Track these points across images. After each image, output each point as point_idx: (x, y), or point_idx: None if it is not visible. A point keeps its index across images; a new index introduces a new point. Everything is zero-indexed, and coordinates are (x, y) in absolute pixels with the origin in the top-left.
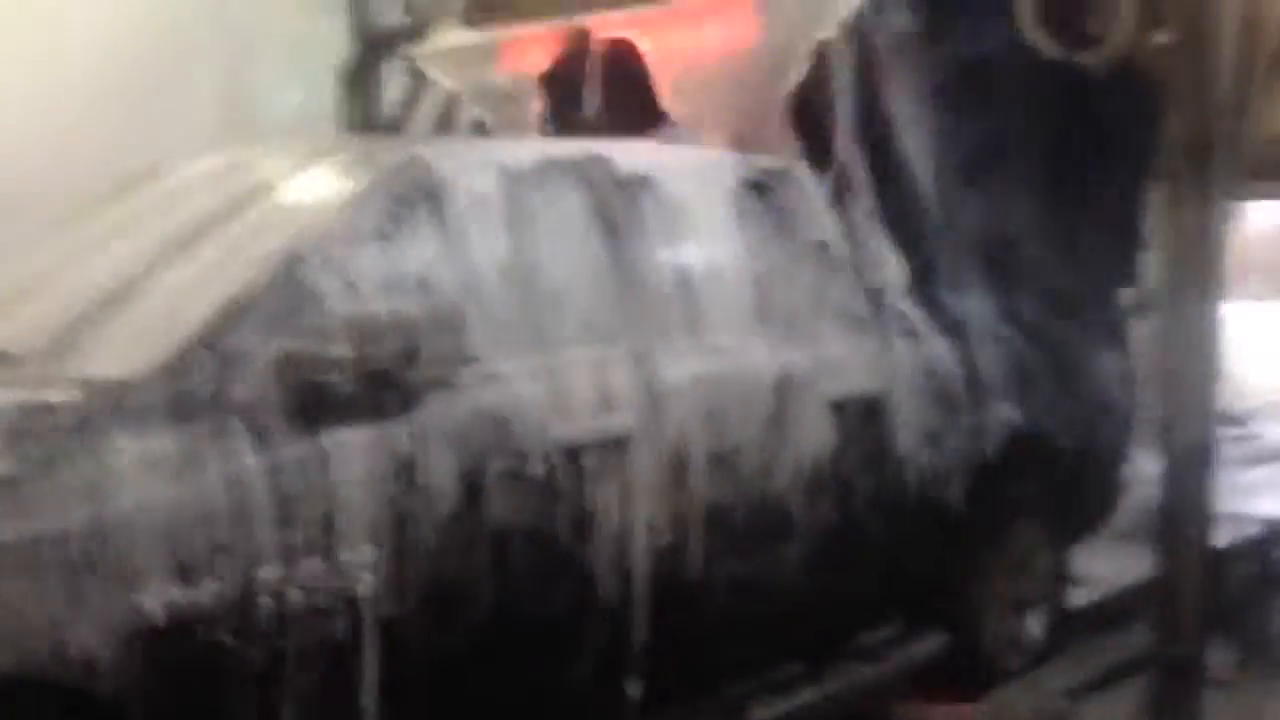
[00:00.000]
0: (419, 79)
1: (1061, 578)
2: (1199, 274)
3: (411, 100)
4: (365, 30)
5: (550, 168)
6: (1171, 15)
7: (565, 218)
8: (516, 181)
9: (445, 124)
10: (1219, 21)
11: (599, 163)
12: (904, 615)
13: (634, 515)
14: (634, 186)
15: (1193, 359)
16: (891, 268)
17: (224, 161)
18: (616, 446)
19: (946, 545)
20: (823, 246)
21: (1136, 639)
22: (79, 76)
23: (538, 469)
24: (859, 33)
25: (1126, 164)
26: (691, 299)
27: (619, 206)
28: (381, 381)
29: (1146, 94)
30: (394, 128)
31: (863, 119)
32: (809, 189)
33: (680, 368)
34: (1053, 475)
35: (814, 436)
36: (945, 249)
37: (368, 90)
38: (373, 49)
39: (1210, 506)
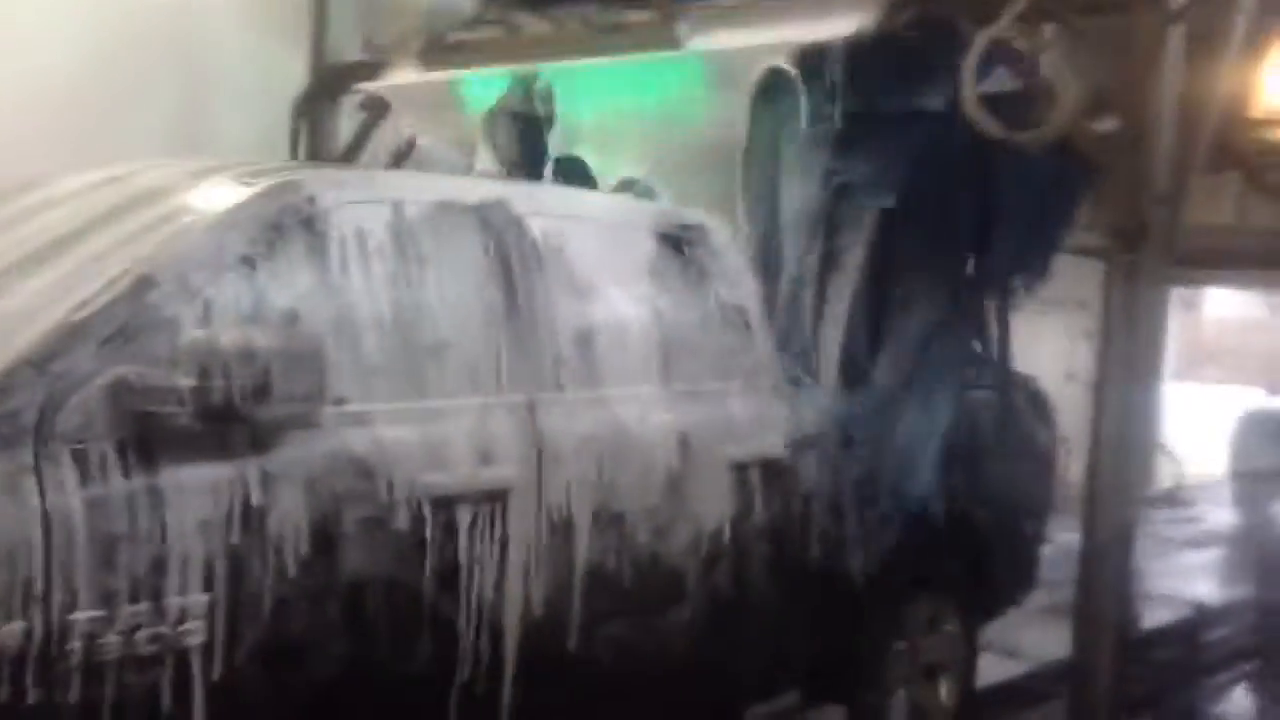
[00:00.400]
0: (372, 115)
1: (971, 653)
2: (1131, 355)
3: (363, 136)
4: (323, 64)
5: (445, 207)
6: (1113, 104)
7: (457, 259)
8: (406, 218)
9: (397, 162)
10: (1159, 112)
11: (500, 205)
12: (801, 687)
13: (509, 573)
14: (535, 233)
15: (1122, 438)
16: (808, 334)
17: (103, 175)
18: (493, 500)
19: (848, 617)
20: (736, 306)
21: (1056, 717)
22: (33, 97)
23: (403, 519)
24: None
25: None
26: (590, 351)
27: (517, 252)
28: (226, 416)
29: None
30: (345, 162)
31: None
32: (727, 246)
33: (571, 421)
34: (966, 550)
35: (712, 499)
36: (861, 314)
37: (321, 124)
38: (329, 83)
39: (1129, 588)
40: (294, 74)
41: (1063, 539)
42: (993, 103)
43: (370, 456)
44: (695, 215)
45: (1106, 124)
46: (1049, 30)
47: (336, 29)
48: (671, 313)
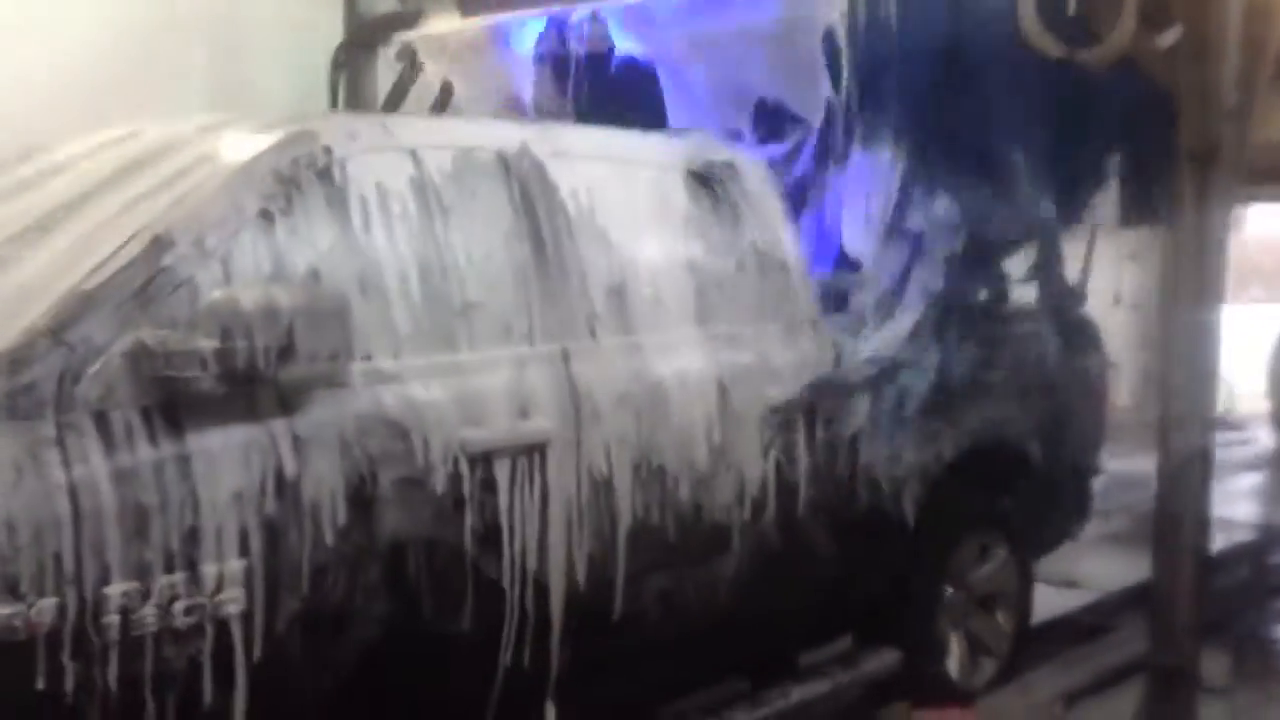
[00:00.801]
0: (410, 66)
1: (1027, 583)
2: (1200, 278)
3: (402, 88)
4: (359, 16)
5: (466, 152)
6: (1175, 17)
7: (481, 206)
8: (426, 165)
9: (438, 111)
10: (1223, 24)
11: (524, 148)
12: (854, 630)
13: (551, 529)
14: (560, 176)
15: (1192, 363)
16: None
17: (109, 136)
18: (532, 453)
19: (898, 557)
20: (772, 245)
21: (1131, 644)
22: (67, 61)
23: (440, 477)
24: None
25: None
26: (623, 297)
27: (542, 196)
28: (250, 378)
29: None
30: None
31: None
32: (761, 182)
33: (607, 370)
34: (1017, 484)
35: (754, 445)
36: (916, 241)
37: (360, 77)
38: (366, 35)
39: (1206, 512)
40: (331, 27)
41: (1119, 467)
42: (1052, 20)
43: (403, 414)
44: (728, 151)
45: (1169, 37)
46: None
47: None
48: (705, 254)
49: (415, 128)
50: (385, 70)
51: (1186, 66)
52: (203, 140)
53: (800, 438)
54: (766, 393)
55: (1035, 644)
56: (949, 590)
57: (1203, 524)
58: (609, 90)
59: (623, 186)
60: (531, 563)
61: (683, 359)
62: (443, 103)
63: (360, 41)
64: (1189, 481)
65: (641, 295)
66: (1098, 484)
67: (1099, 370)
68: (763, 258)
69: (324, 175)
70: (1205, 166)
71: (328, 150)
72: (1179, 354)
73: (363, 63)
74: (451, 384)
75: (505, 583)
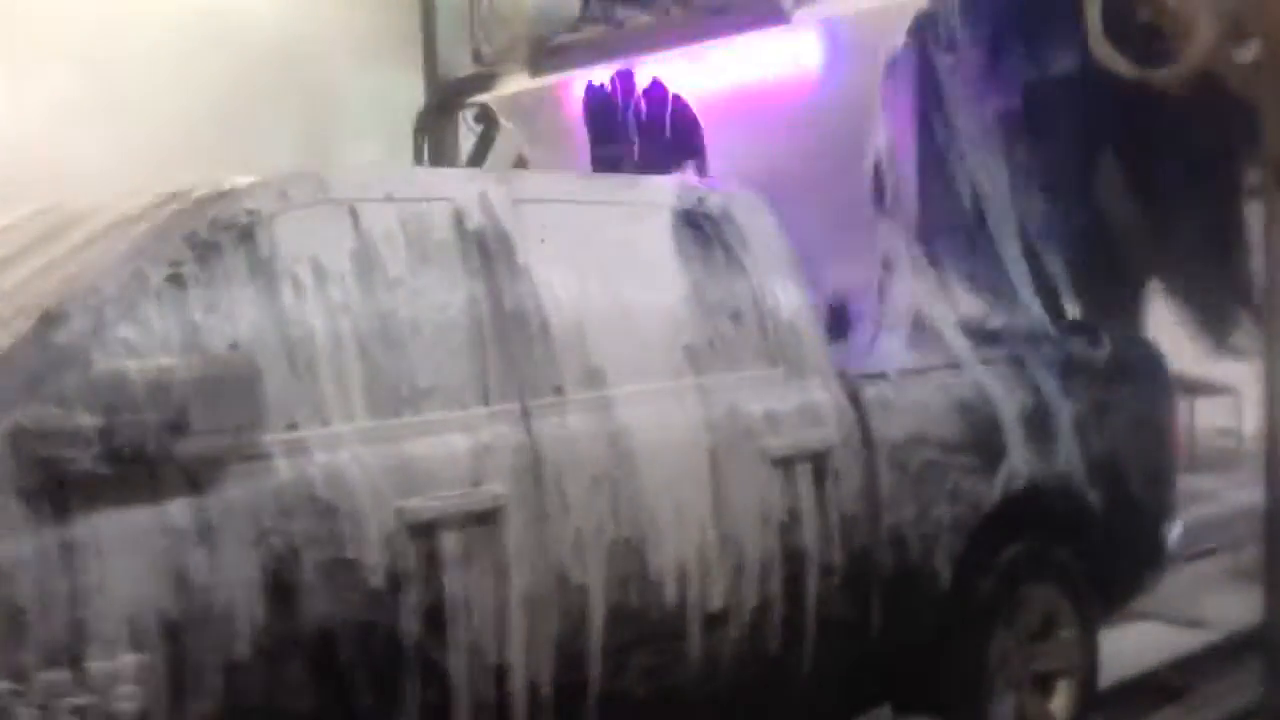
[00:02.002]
0: (488, 127)
1: (1091, 652)
2: None
3: (482, 149)
4: (438, 81)
5: (413, 204)
6: (1254, 29)
7: (428, 260)
8: (365, 220)
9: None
10: None
11: (481, 197)
12: (891, 698)
13: (511, 606)
14: (524, 223)
15: None
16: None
17: (44, 206)
18: (485, 522)
19: (931, 621)
20: (773, 286)
21: (1249, 686)
22: (158, 127)
23: (374, 555)
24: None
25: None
26: (597, 348)
27: (500, 246)
28: (139, 456)
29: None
30: None
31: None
32: (763, 222)
33: (575, 427)
34: (1075, 533)
35: (752, 499)
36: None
37: (442, 139)
38: (445, 99)
39: None
40: (413, 92)
41: (1248, 498)
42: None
43: (332, 486)
44: (723, 191)
45: (1249, 52)
46: None
47: (448, 43)
48: (695, 298)
49: (355, 182)
50: (466, 133)
51: (1270, 79)
52: (118, 206)
53: (808, 490)
54: (765, 445)
55: (1150, 689)
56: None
57: None
58: (664, 142)
59: (599, 231)
60: (486, 645)
61: (666, 412)
62: (522, 163)
63: (440, 105)
64: None
65: (620, 346)
66: (1176, 528)
67: (1166, 404)
68: (763, 301)
69: (245, 237)
70: None
71: (251, 211)
72: (1277, 375)
73: (444, 126)
74: (389, 451)
75: (453, 669)
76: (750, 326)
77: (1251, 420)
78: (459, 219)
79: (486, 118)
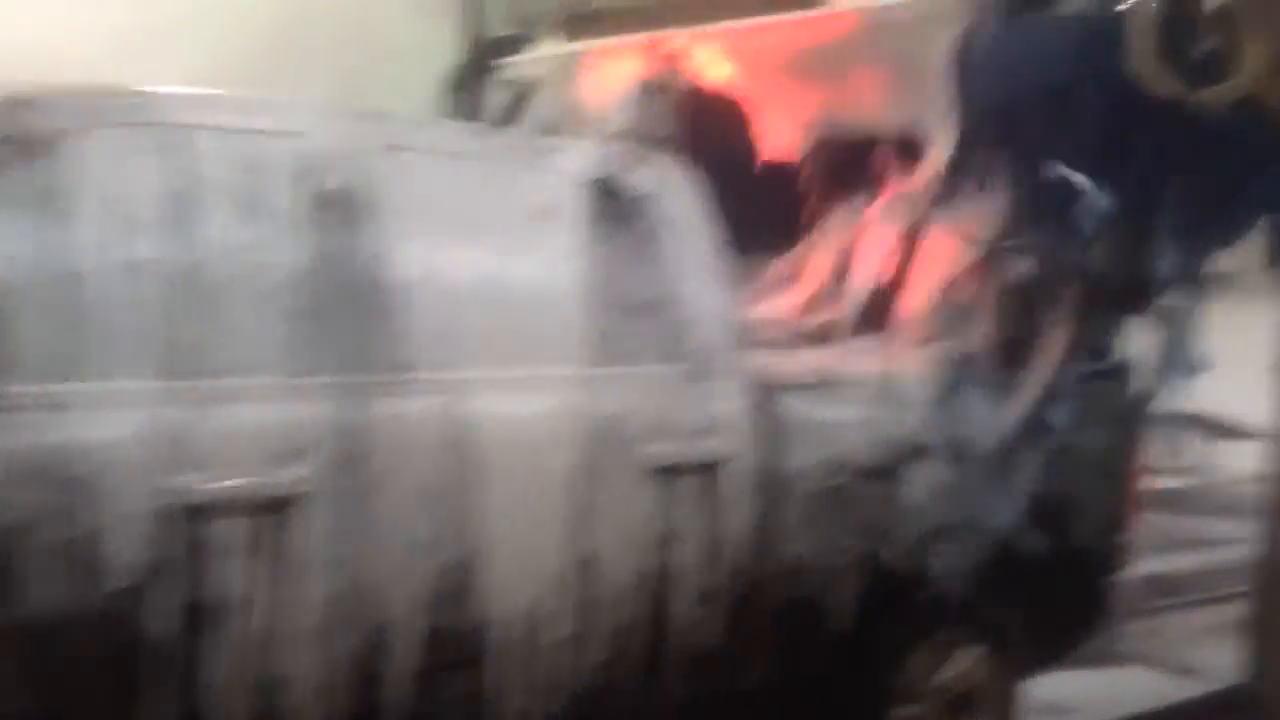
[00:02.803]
0: (521, 89)
1: (1008, 708)
2: None
3: (513, 111)
4: (474, 40)
5: (256, 138)
6: None
7: (260, 204)
8: (190, 150)
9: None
10: None
11: (341, 139)
12: None
13: (294, 611)
14: (395, 173)
15: None
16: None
17: None
18: (277, 511)
19: (830, 662)
20: (690, 274)
21: None
22: (210, 56)
23: (123, 538)
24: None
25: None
26: (466, 322)
27: (359, 197)
28: None
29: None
30: None
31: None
32: (691, 205)
33: (418, 409)
34: (1005, 579)
35: (625, 514)
36: None
37: (477, 97)
38: (481, 58)
39: None
40: (449, 51)
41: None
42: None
43: (82, 453)
44: (644, 159)
45: None
46: None
47: (489, 2)
48: (595, 279)
49: (186, 105)
50: (499, 93)
51: None
52: None
53: (696, 504)
54: (646, 452)
55: None
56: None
57: None
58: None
59: (487, 192)
60: (257, 655)
61: (532, 405)
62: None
63: (476, 64)
64: None
65: (491, 325)
66: (1124, 582)
67: (1121, 446)
68: (675, 293)
69: (36, 154)
70: None
71: (47, 127)
72: None
73: (479, 84)
74: (172, 419)
75: (211, 680)
76: (655, 319)
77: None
78: (308, 162)
79: (520, 80)
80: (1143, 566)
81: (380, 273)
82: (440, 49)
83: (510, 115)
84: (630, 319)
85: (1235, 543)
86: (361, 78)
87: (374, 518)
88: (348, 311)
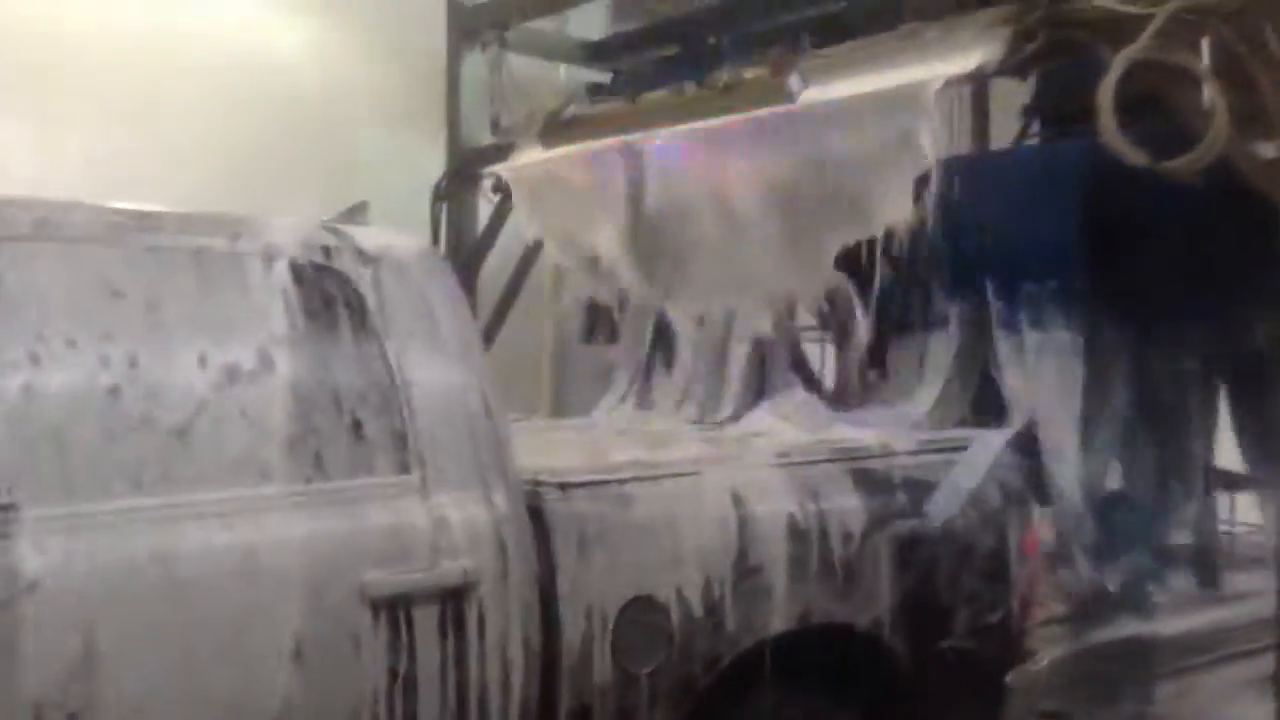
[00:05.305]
0: (505, 198)
1: None
2: None
3: (498, 220)
4: (459, 149)
5: None
6: (1274, 118)
7: None
8: None
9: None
10: None
11: None
12: None
13: None
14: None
15: None
16: None
17: None
18: None
19: None
20: (432, 363)
21: None
22: (195, 180)
23: None
24: None
25: None
26: (107, 442)
27: None
28: None
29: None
30: (485, 245)
31: None
32: (426, 281)
33: (29, 554)
34: (869, 689)
35: (333, 661)
36: None
37: (462, 209)
38: (464, 167)
39: None
40: (434, 161)
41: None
42: (1136, 131)
43: None
44: (376, 238)
45: (1271, 150)
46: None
47: (472, 114)
48: (296, 378)
49: None
50: (485, 203)
51: None
52: None
53: (431, 648)
54: (362, 581)
55: None
56: None
57: None
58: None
59: (144, 281)
60: None
61: (200, 538)
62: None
63: (459, 174)
64: None
65: (138, 443)
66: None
67: (1011, 520)
68: (402, 388)
69: None
70: None
71: None
72: None
73: (463, 194)
74: None
75: None
76: (376, 421)
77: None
78: None
79: (502, 188)
80: (1168, 625)
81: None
82: (426, 160)
83: (493, 226)
84: (344, 423)
85: (1256, 595)
86: (348, 191)
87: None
88: None
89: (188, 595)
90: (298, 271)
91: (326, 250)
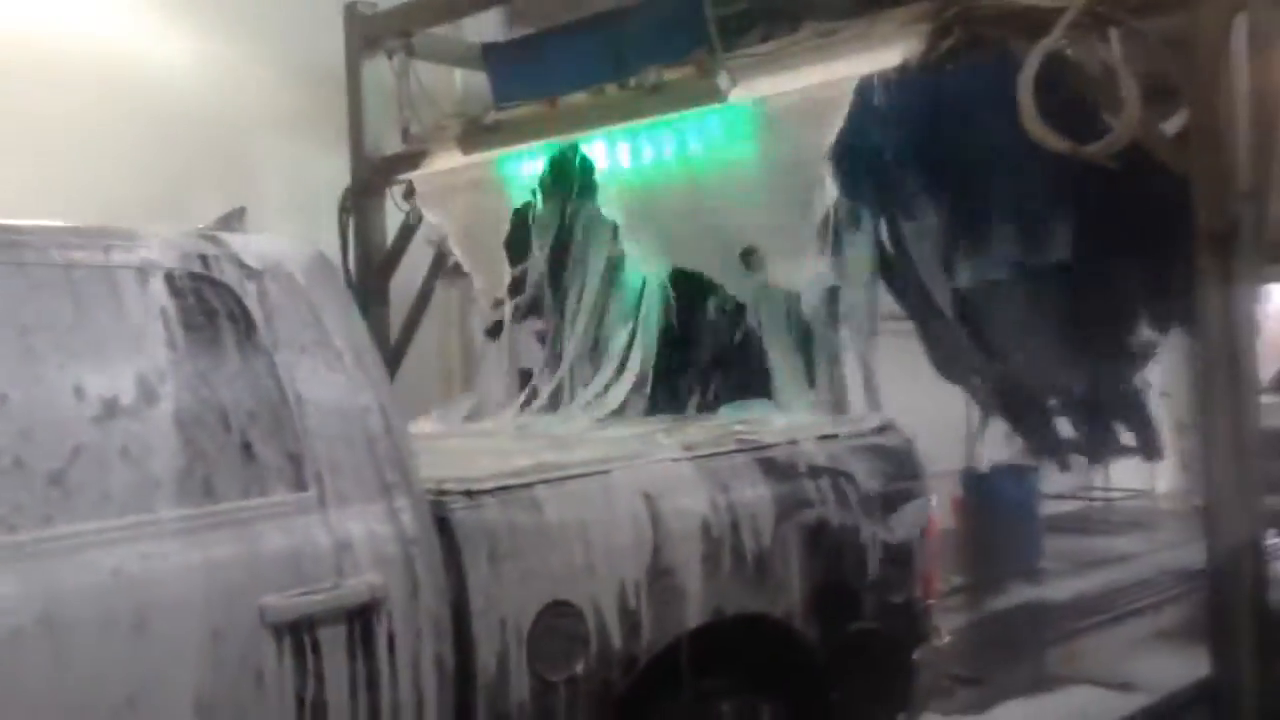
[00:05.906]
0: (416, 206)
1: None
2: (1232, 359)
3: (409, 228)
4: (364, 158)
5: None
6: (1181, 102)
7: None
8: None
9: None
10: (1231, 105)
11: None
12: None
13: None
14: None
15: (1230, 449)
16: None
17: None
18: None
19: None
20: (323, 373)
21: None
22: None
23: None
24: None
25: None
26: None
27: None
28: None
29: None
30: (396, 253)
31: None
32: (313, 287)
33: None
34: (784, 678)
35: (232, 691)
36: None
37: (368, 219)
38: (372, 177)
39: (1265, 603)
40: (339, 171)
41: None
42: (1054, 117)
43: None
44: (257, 245)
45: (1176, 123)
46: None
47: (375, 122)
48: (178, 395)
49: None
50: (394, 211)
51: (1199, 151)
52: None
53: (337, 670)
54: (258, 605)
55: None
56: None
57: (1266, 613)
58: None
59: (25, 302)
60: None
61: (76, 569)
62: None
63: (367, 183)
64: (1246, 569)
65: (51, 466)
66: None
67: (903, 505)
68: (294, 402)
69: None
70: (1225, 248)
71: None
72: (1215, 442)
73: (370, 205)
74: None
75: None
76: (268, 436)
77: (1165, 481)
78: None
79: (414, 196)
80: (1065, 588)
81: None
82: (328, 169)
83: (405, 234)
84: (231, 440)
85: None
86: (251, 200)
87: None
88: None
89: (69, 635)
90: (176, 285)
91: (205, 260)
